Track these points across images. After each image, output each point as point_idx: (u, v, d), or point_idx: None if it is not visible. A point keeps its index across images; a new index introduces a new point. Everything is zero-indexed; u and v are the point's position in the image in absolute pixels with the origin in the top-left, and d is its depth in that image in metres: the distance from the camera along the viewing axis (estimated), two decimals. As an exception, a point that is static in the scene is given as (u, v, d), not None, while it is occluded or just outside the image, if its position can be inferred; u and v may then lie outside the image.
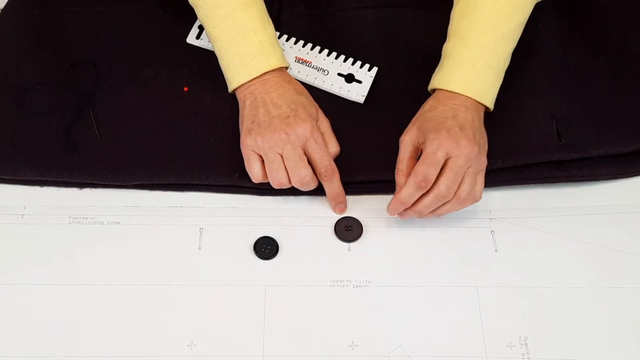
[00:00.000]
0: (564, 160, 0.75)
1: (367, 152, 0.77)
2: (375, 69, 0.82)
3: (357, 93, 0.80)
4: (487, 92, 0.71)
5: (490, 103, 0.71)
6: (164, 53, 0.84)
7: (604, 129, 0.77)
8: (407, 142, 0.70)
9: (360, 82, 0.81)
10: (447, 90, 0.70)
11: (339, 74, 0.82)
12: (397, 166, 0.70)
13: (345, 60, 0.82)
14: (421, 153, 0.68)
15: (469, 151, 0.66)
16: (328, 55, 0.83)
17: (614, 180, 0.77)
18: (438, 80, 0.72)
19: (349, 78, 0.81)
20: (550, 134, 0.76)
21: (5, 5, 0.87)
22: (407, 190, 0.67)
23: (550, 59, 0.82)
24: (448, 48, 0.73)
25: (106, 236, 0.73)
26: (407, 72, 0.82)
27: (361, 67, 0.82)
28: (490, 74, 0.71)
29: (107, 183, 0.75)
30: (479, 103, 0.70)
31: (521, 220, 0.75)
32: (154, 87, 0.81)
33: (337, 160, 0.74)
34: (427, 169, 0.66)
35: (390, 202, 0.70)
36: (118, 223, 0.74)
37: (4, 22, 0.86)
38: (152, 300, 0.69)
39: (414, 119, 0.71)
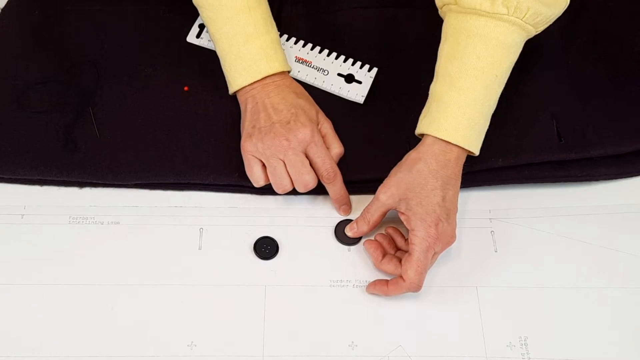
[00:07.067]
0: (564, 160, 0.75)
1: (367, 152, 0.77)
2: (375, 69, 0.82)
3: (357, 93, 0.80)
4: (476, 140, 0.69)
5: (477, 149, 0.69)
6: (164, 52, 0.84)
7: (604, 129, 0.77)
8: (383, 202, 0.69)
9: (360, 82, 0.81)
10: (434, 137, 0.68)
11: (339, 74, 0.82)
12: (364, 214, 0.71)
13: (345, 61, 0.82)
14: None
15: (450, 243, 0.68)
16: (328, 55, 0.83)
17: (614, 180, 0.77)
18: (426, 125, 0.69)
19: (349, 78, 0.81)
20: (550, 134, 0.76)
21: (5, 5, 0.87)
22: (399, 291, 0.67)
23: (550, 59, 0.82)
24: (437, 90, 0.69)
25: (106, 236, 0.73)
26: (407, 72, 0.82)
27: (361, 67, 0.82)
28: (481, 120, 0.68)
29: (107, 182, 0.75)
30: (466, 150, 0.69)
31: (521, 220, 0.75)
32: (154, 86, 0.81)
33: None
34: (420, 277, 0.66)
35: (375, 286, 0.69)
36: (118, 223, 0.74)
37: (4, 22, 0.86)
38: (152, 300, 0.69)
39: (395, 172, 0.69)
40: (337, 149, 0.73)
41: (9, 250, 0.72)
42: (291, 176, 0.70)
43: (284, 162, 0.70)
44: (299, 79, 0.81)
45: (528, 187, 0.77)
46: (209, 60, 0.81)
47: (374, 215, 0.70)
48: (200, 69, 0.82)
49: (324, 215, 0.75)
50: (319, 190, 0.73)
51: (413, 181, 0.67)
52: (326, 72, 0.82)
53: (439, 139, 0.68)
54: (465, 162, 0.70)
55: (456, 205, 0.69)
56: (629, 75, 0.81)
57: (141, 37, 0.85)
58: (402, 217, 0.68)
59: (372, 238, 0.72)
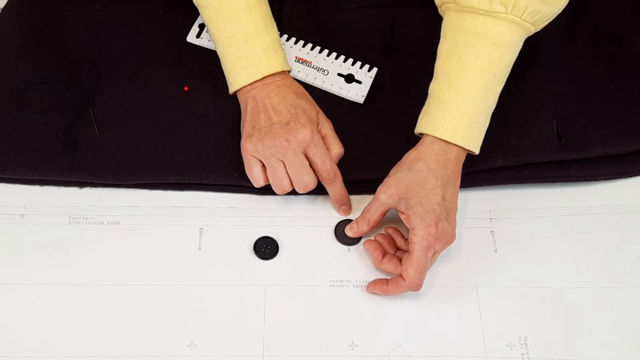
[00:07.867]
0: (564, 160, 0.75)
1: (366, 152, 0.77)
2: (375, 69, 0.82)
3: (357, 93, 0.80)
4: (476, 139, 0.68)
5: (477, 148, 0.69)
6: (164, 52, 0.84)
7: (604, 129, 0.77)
8: (383, 202, 0.69)
9: (360, 82, 0.81)
10: (433, 136, 0.68)
11: (339, 74, 0.82)
12: (364, 214, 0.71)
13: (345, 61, 0.82)
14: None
15: (450, 242, 0.68)
16: (328, 55, 0.83)
17: (614, 180, 0.77)
18: (425, 124, 0.68)
19: (349, 78, 0.81)
20: (550, 134, 0.76)
21: (5, 5, 0.87)
22: (399, 290, 0.67)
23: (550, 59, 0.82)
24: (435, 89, 0.69)
25: (106, 236, 0.73)
26: (407, 72, 0.82)
27: (361, 67, 0.82)
28: (480, 119, 0.68)
29: (107, 182, 0.75)
30: (466, 149, 0.68)
31: (521, 220, 0.75)
32: (154, 86, 0.81)
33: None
34: (420, 276, 0.66)
35: (375, 285, 0.69)
36: (118, 223, 0.74)
37: (4, 22, 0.86)
38: (152, 300, 0.69)
39: (395, 172, 0.69)
40: (337, 149, 0.73)
41: (9, 250, 0.72)
42: (291, 177, 0.70)
43: (284, 163, 0.70)
44: (299, 79, 0.81)
45: (528, 187, 0.77)
46: (209, 60, 0.81)
47: (374, 215, 0.70)
48: (200, 69, 0.82)
49: (324, 215, 0.75)
50: (319, 190, 0.73)
51: (413, 180, 0.67)
52: (326, 72, 0.82)
53: (438, 138, 0.68)
54: (465, 162, 0.70)
55: (456, 204, 0.69)
56: (629, 75, 0.81)
57: (141, 37, 0.85)
58: (402, 217, 0.68)
59: (372, 238, 0.72)
